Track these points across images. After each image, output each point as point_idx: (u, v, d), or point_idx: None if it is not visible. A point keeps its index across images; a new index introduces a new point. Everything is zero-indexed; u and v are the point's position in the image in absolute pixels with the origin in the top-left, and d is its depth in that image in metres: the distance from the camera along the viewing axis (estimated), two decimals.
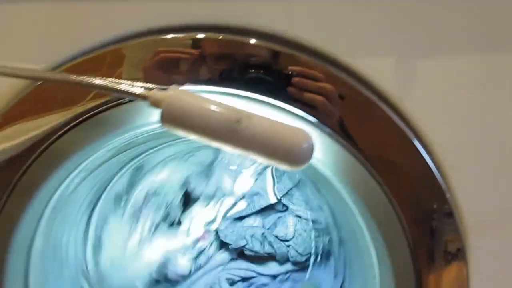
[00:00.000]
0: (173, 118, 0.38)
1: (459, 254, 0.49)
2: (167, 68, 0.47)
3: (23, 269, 0.56)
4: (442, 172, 0.48)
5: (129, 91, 0.38)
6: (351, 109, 0.47)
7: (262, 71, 0.46)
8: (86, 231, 0.69)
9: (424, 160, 0.47)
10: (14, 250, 0.53)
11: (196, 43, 0.46)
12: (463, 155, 0.49)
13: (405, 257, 0.49)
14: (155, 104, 0.38)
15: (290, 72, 0.46)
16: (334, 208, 0.67)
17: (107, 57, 0.46)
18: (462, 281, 0.50)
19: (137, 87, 0.39)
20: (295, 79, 0.46)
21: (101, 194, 0.68)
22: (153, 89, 0.39)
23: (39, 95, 0.46)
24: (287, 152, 0.37)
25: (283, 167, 0.38)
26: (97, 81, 0.39)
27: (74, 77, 0.39)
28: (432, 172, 0.48)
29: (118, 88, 0.38)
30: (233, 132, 0.37)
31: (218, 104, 0.38)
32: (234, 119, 0.37)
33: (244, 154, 0.39)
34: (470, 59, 0.47)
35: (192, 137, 0.39)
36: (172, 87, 0.39)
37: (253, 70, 0.46)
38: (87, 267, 0.72)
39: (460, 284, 0.50)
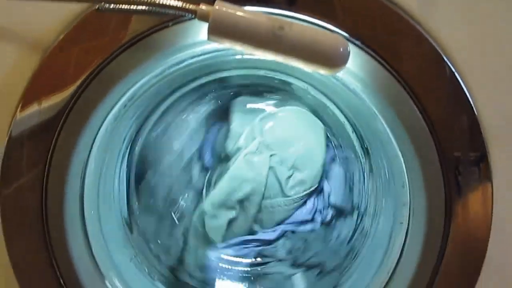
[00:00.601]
0: (220, 28, 0.42)
1: (484, 170, 0.52)
2: None
3: (79, 192, 0.60)
4: (469, 87, 0.51)
5: (181, 6, 0.42)
6: (382, 25, 0.50)
7: None
8: (130, 158, 0.74)
9: (454, 74, 0.50)
10: (72, 172, 0.57)
11: None
12: (488, 71, 0.51)
13: (434, 166, 0.52)
14: (203, 17, 0.42)
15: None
16: (359, 122, 0.71)
17: None
18: (487, 195, 0.53)
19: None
20: None
21: (145, 121, 0.72)
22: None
23: (91, 23, 0.50)
24: (326, 55, 0.41)
25: (321, 71, 0.42)
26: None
27: None
28: (461, 86, 0.51)
29: (170, 4, 0.42)
30: (276, 38, 0.41)
31: (260, 14, 0.42)
32: (277, 26, 0.41)
33: (286, 60, 0.42)
34: None
35: (237, 46, 0.43)
36: (218, 1, 0.42)
37: None
38: (130, 196, 0.77)
39: (486, 198, 0.53)
